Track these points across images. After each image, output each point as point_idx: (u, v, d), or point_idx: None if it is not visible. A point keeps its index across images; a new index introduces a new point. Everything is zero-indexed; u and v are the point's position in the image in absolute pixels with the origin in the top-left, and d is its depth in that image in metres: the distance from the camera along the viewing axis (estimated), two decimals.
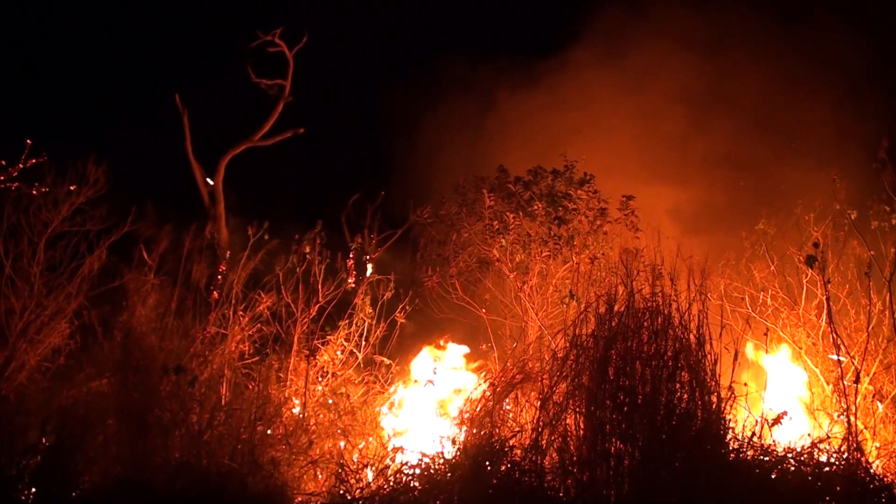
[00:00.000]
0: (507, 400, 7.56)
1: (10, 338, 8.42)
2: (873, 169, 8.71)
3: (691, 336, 6.93)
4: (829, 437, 7.11)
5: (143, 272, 8.85)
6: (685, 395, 6.67)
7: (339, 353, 9.15)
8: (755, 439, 6.75)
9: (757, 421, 6.88)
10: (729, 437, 6.68)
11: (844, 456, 6.78)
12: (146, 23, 15.63)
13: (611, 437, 6.55)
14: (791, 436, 7.15)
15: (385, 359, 9.35)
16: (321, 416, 8.54)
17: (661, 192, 11.30)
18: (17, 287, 8.60)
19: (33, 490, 7.47)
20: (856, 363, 7.93)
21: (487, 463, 6.80)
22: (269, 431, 7.85)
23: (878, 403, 8.03)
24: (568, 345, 7.12)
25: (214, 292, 9.22)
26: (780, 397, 8.17)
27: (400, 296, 9.75)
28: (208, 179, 11.88)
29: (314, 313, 9.16)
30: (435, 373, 8.94)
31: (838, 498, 6.40)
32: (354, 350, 9.26)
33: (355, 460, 7.80)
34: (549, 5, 16.27)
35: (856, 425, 7.31)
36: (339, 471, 7.42)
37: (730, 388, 6.80)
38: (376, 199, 11.73)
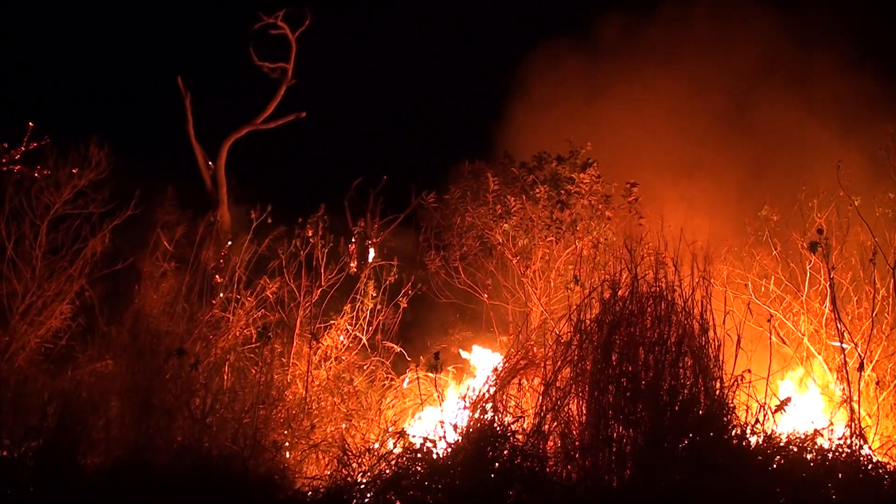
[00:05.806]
0: (510, 385, 7.54)
1: (12, 320, 8.42)
2: (878, 155, 8.68)
3: (694, 322, 6.92)
4: (832, 425, 7.10)
5: (155, 257, 8.86)
6: (688, 381, 6.67)
7: (341, 337, 9.14)
8: (758, 426, 6.74)
9: (760, 407, 6.88)
10: (732, 423, 6.67)
11: (847, 443, 6.78)
12: (149, 5, 15.55)
13: (613, 422, 6.54)
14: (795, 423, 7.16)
15: (395, 345, 9.34)
16: (324, 400, 8.53)
17: (664, 177, 11.25)
18: (19, 269, 8.59)
19: (35, 472, 7.46)
20: (859, 350, 7.91)
21: (489, 448, 6.79)
22: (271, 415, 7.85)
23: (882, 392, 8.01)
24: (571, 330, 7.11)
25: (217, 276, 9.20)
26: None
27: (403, 280, 9.73)
28: (210, 163, 11.84)
29: (317, 297, 9.14)
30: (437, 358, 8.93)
31: (841, 484, 6.40)
32: (358, 334, 9.25)
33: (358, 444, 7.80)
34: None
35: (859, 413, 7.31)
36: (342, 455, 7.41)
37: (741, 376, 6.81)
38: (379, 183, 11.67)
